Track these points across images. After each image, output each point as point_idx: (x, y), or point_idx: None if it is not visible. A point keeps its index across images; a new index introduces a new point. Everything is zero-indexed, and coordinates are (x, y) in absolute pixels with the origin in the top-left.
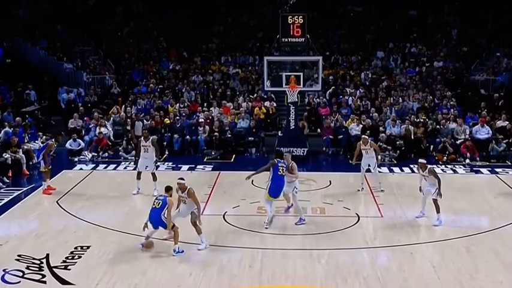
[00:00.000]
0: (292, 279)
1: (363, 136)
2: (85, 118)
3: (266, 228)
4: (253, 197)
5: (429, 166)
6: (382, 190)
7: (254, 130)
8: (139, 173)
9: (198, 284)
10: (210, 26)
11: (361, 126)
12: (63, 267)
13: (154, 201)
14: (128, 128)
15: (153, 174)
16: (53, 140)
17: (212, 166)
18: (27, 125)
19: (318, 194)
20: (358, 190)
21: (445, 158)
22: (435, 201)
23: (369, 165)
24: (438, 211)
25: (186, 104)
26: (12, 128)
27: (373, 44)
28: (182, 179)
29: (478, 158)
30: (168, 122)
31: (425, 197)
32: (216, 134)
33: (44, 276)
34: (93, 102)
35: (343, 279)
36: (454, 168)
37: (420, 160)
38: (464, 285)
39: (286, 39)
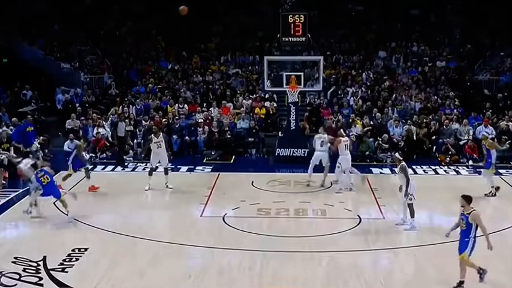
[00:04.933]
0: (292, 282)
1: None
2: (81, 118)
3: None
4: (253, 198)
5: (403, 163)
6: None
7: (254, 131)
8: (152, 170)
9: (197, 286)
10: (209, 25)
11: (357, 127)
12: (60, 269)
13: (42, 179)
14: (127, 128)
15: (166, 169)
16: (81, 140)
17: (211, 167)
18: None
19: (319, 195)
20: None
21: (447, 159)
22: (410, 205)
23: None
24: (412, 215)
25: (184, 104)
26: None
27: (375, 43)
28: None
29: (478, 158)
30: (166, 122)
31: (404, 200)
32: (215, 134)
33: (41, 278)
34: (90, 102)
35: (344, 282)
36: (457, 169)
37: (395, 154)
38: None
39: (286, 39)
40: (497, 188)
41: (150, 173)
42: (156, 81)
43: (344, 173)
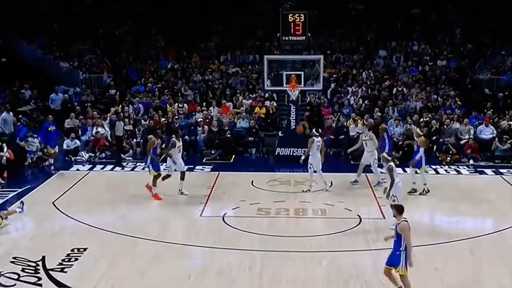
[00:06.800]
0: (292, 282)
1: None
2: (80, 117)
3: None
4: (253, 198)
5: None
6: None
7: (254, 130)
8: (183, 173)
9: (197, 287)
10: (209, 24)
11: (358, 126)
12: (59, 269)
13: None
14: (126, 128)
15: (183, 173)
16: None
17: (211, 167)
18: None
19: (319, 195)
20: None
21: (448, 158)
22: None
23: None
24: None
25: (184, 103)
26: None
27: (375, 42)
28: None
29: (480, 158)
30: (166, 121)
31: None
32: (215, 134)
33: (39, 278)
34: (90, 101)
35: (344, 282)
36: (457, 169)
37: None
38: None
39: (286, 38)
40: (414, 192)
41: (182, 177)
42: (155, 80)
43: (315, 172)
